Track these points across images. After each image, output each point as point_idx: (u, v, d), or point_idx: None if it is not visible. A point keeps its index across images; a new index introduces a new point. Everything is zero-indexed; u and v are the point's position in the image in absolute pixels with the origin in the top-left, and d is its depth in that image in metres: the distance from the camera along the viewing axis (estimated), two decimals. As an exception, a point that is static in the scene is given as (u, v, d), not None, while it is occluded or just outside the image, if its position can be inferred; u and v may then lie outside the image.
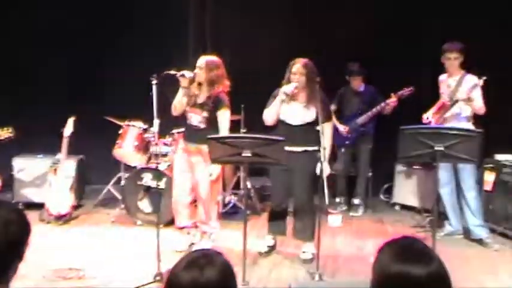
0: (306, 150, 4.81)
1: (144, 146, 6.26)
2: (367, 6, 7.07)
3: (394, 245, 1.76)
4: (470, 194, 5.53)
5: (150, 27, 7.30)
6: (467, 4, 6.68)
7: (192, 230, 5.33)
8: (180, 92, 4.98)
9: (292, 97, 4.87)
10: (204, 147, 4.73)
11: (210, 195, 5.15)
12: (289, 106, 4.93)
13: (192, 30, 7.32)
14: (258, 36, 7.01)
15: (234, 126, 6.63)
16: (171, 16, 7.38)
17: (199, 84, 5.05)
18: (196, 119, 5.04)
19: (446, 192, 5.67)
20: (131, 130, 6.29)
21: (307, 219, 5.04)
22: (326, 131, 4.88)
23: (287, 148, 4.54)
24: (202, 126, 5.03)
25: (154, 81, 4.72)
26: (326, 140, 4.84)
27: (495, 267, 4.99)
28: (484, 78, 5.24)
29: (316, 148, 4.87)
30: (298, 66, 4.88)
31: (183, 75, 4.85)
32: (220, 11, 7.36)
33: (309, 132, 4.88)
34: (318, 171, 4.72)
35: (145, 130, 6.25)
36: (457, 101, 5.40)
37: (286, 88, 4.81)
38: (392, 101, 6.38)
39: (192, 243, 5.27)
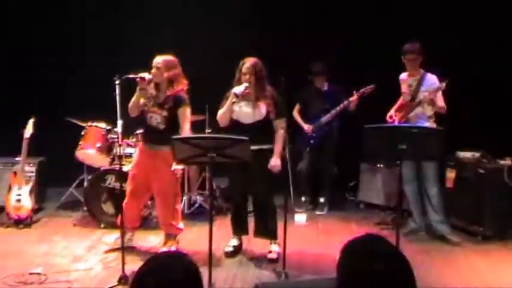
0: (261, 149, 4.79)
1: (107, 147, 6.16)
2: (329, 6, 7.13)
3: (357, 243, 1.77)
4: (433, 191, 5.63)
5: (113, 27, 7.21)
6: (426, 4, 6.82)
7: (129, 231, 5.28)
8: (137, 94, 4.90)
9: (243, 97, 4.90)
10: (164, 148, 4.69)
11: (173, 196, 5.09)
12: (241, 106, 4.96)
13: (154, 31, 7.25)
14: (221, 36, 7.01)
15: (199, 126, 6.61)
16: (133, 16, 7.31)
17: (157, 84, 5.00)
18: (156, 119, 4.98)
19: (409, 189, 5.76)
20: (94, 131, 6.19)
21: (268, 217, 5.08)
22: (278, 128, 4.97)
23: None
24: (162, 126, 4.97)
25: (117, 82, 4.63)
26: (277, 137, 4.95)
27: (457, 262, 5.09)
28: (446, 81, 5.32)
29: (270, 146, 4.94)
30: (247, 66, 4.92)
31: (143, 78, 4.78)
32: (182, 11, 7.33)
33: (262, 130, 4.92)
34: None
35: (108, 131, 6.16)
36: (420, 103, 5.48)
37: (237, 89, 4.85)
38: (353, 99, 6.44)
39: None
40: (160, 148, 4.89)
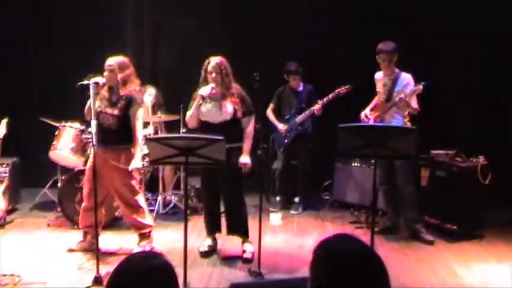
0: (230, 148, 4.74)
1: (81, 148, 6.10)
2: (305, 5, 7.16)
3: (330, 243, 1.77)
4: (407, 190, 5.67)
5: (86, 26, 7.15)
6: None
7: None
8: (92, 99, 4.76)
9: (209, 97, 4.91)
10: (118, 148, 4.84)
11: (130, 193, 5.06)
12: (208, 105, 4.97)
13: (129, 31, 7.22)
14: (195, 36, 7.00)
15: (174, 126, 6.60)
16: (107, 16, 7.26)
17: (110, 86, 5.00)
18: (108, 119, 4.96)
19: (384, 188, 5.82)
20: (67, 131, 6.12)
21: (238, 215, 5.09)
22: (246, 125, 5.00)
23: None
24: (114, 127, 4.96)
25: (91, 82, 4.59)
26: (246, 134, 4.98)
27: (432, 261, 5.14)
28: (423, 83, 5.34)
29: (239, 145, 4.96)
30: (212, 65, 4.93)
31: (97, 83, 4.74)
32: (156, 12, 7.30)
33: (230, 129, 4.89)
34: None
35: (82, 131, 6.10)
36: (395, 104, 5.50)
37: (203, 91, 4.85)
38: (317, 108, 6.46)
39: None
40: (113, 148, 4.93)
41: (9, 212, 6.22)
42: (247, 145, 5.00)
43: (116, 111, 4.94)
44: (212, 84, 4.87)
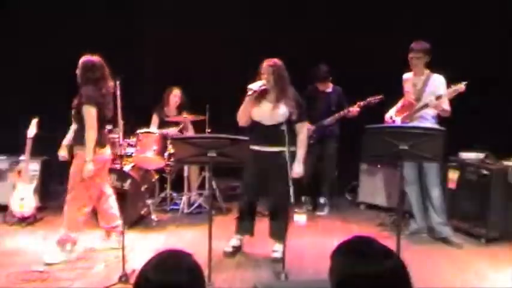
0: (281, 151, 4.69)
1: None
2: (334, 6, 7.11)
3: (349, 245, 1.76)
4: (435, 193, 5.59)
5: (114, 25, 7.24)
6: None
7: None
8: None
9: (262, 97, 4.86)
10: (76, 148, 4.91)
11: (72, 199, 5.01)
12: (261, 106, 4.92)
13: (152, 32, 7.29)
14: (221, 37, 7.02)
15: (199, 126, 6.65)
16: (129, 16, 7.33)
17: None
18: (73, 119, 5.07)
19: (412, 190, 5.74)
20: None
21: (283, 220, 4.99)
22: (299, 131, 4.93)
23: (262, 148, 4.63)
24: (74, 126, 5.05)
25: (118, 82, 4.64)
26: (300, 141, 4.90)
27: (460, 264, 5.06)
28: (465, 83, 5.21)
29: (290, 149, 4.86)
30: (264, 66, 4.89)
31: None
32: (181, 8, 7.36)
33: (281, 132, 4.77)
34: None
35: (110, 131, 6.16)
36: (426, 105, 5.40)
37: (254, 85, 4.79)
38: (354, 110, 6.42)
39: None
40: (75, 148, 4.98)
41: (40, 209, 6.32)
42: (301, 152, 4.92)
43: (73, 111, 5.03)
44: (263, 81, 4.82)
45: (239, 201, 5.45)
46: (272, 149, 4.72)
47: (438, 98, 5.32)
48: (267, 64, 4.88)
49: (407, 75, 5.71)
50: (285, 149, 4.80)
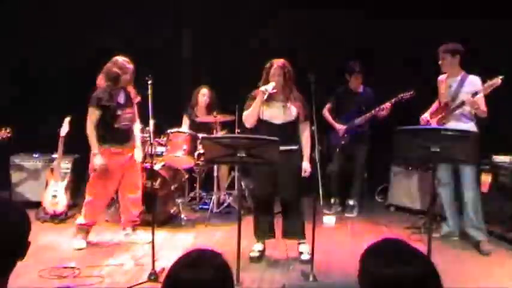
0: (290, 149, 4.83)
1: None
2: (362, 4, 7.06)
3: (377, 249, 1.74)
4: (469, 195, 5.43)
5: (144, 27, 7.31)
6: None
7: None
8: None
9: (271, 97, 4.89)
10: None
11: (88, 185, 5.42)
12: (270, 106, 4.95)
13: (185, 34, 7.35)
14: (248, 37, 7.03)
15: (229, 126, 6.67)
16: (166, 16, 7.39)
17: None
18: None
19: (445, 192, 5.63)
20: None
21: (296, 217, 5.05)
22: (304, 129, 5.00)
23: None
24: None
25: (149, 81, 4.68)
26: (305, 139, 4.97)
27: (491, 270, 4.96)
28: (501, 77, 5.07)
29: (298, 147, 4.97)
30: (275, 67, 4.92)
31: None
32: (208, 12, 7.39)
33: (292, 131, 4.95)
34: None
35: (140, 130, 6.23)
36: (463, 103, 5.30)
37: (267, 86, 4.83)
38: (386, 106, 6.36)
39: None
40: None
41: (71, 207, 6.41)
42: (308, 150, 4.98)
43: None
44: (273, 83, 4.86)
45: (253, 203, 5.47)
46: (284, 147, 4.73)
47: (474, 95, 5.22)
48: (277, 65, 4.92)
49: (442, 77, 5.61)
50: (294, 147, 4.91)
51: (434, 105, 5.68)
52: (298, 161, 4.95)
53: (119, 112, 5.20)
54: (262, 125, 4.97)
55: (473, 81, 5.37)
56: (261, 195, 5.18)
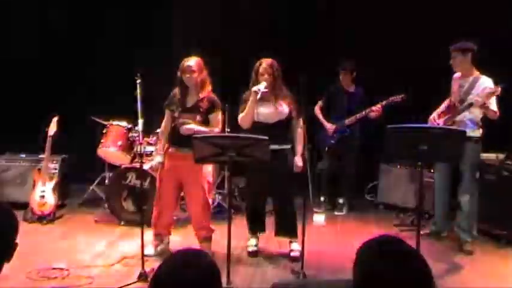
0: (282, 149, 4.88)
1: (128, 146, 6.21)
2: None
3: (373, 245, 1.75)
4: (464, 198, 5.39)
5: (134, 25, 7.27)
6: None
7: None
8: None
9: (262, 97, 4.89)
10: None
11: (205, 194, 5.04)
12: (263, 107, 4.96)
13: (175, 29, 7.31)
14: (238, 35, 7.02)
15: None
16: (155, 15, 7.36)
17: (186, 87, 4.92)
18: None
19: (439, 195, 5.65)
20: (115, 129, 6.25)
21: (289, 216, 5.08)
22: (298, 127, 5.02)
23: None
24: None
25: (138, 80, 4.66)
26: (299, 136, 5.00)
27: (479, 266, 5.03)
28: (502, 85, 5.03)
29: (290, 146, 5.00)
30: (264, 66, 4.93)
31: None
32: (200, 11, 7.36)
33: (284, 130, 4.99)
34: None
35: (129, 129, 6.21)
36: (471, 105, 5.19)
37: (259, 86, 4.83)
38: (377, 108, 6.37)
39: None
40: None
41: (59, 207, 6.37)
42: (301, 146, 5.01)
43: (198, 117, 4.85)
44: (265, 82, 4.87)
45: (247, 201, 5.50)
46: (276, 146, 4.75)
47: (470, 105, 5.16)
48: (266, 64, 4.93)
49: (456, 75, 5.47)
50: (286, 146, 4.95)
51: (445, 104, 5.56)
52: (291, 161, 4.97)
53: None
54: (256, 126, 4.96)
55: (485, 83, 5.22)
56: (252, 195, 5.22)
